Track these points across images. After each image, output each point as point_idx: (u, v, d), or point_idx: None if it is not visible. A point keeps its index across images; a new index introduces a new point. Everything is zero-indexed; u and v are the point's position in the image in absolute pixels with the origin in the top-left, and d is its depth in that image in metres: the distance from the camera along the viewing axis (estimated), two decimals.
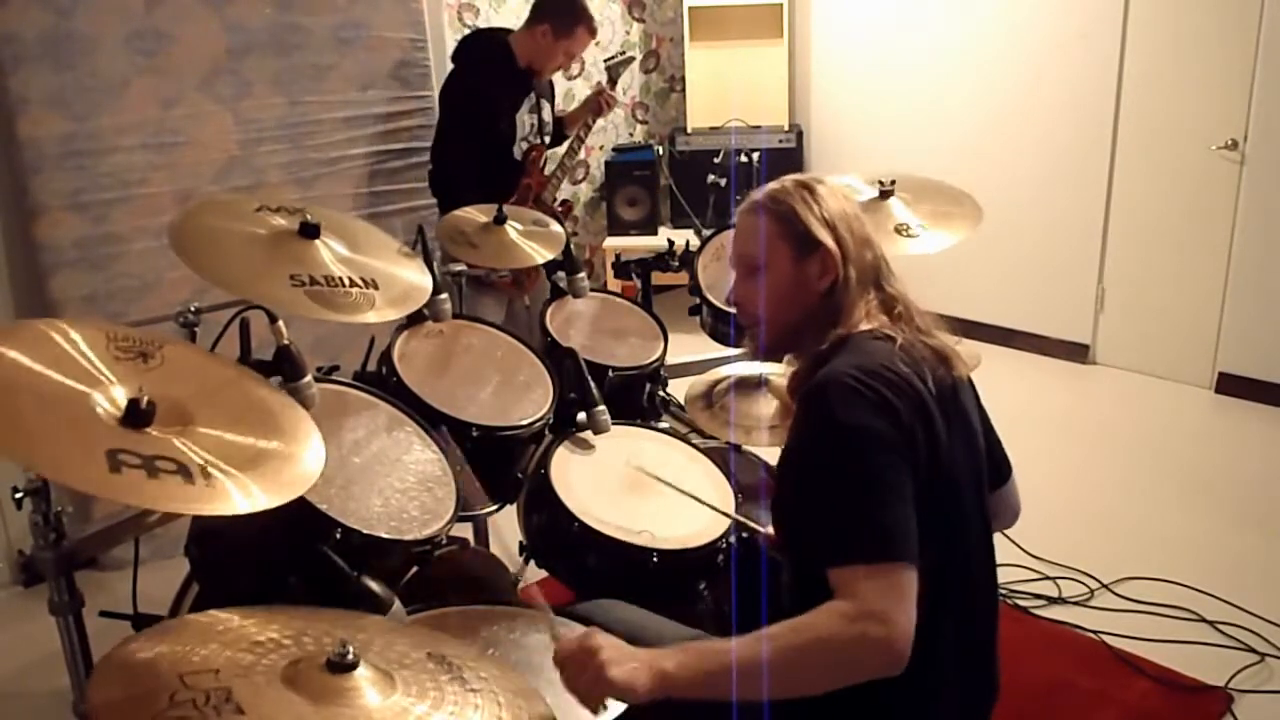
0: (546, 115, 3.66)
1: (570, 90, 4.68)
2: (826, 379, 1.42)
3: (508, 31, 3.65)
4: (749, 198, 1.63)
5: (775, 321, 1.59)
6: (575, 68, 4.79)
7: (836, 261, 1.52)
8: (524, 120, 3.55)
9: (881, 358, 1.44)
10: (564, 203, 3.81)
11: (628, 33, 5.32)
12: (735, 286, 1.63)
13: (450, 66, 3.56)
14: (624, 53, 3.80)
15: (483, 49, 3.53)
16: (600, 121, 5.22)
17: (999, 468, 1.69)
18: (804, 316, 1.56)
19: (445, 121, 3.52)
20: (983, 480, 1.56)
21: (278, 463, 1.28)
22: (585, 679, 1.24)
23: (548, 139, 3.67)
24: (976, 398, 1.63)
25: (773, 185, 1.60)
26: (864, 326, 1.51)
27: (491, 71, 3.46)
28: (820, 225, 1.54)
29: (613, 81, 3.68)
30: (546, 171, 3.61)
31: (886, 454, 1.35)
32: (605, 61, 3.75)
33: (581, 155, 4.94)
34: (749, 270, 1.60)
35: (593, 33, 3.55)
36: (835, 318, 1.53)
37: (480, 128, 3.44)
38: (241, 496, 1.17)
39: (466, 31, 4.37)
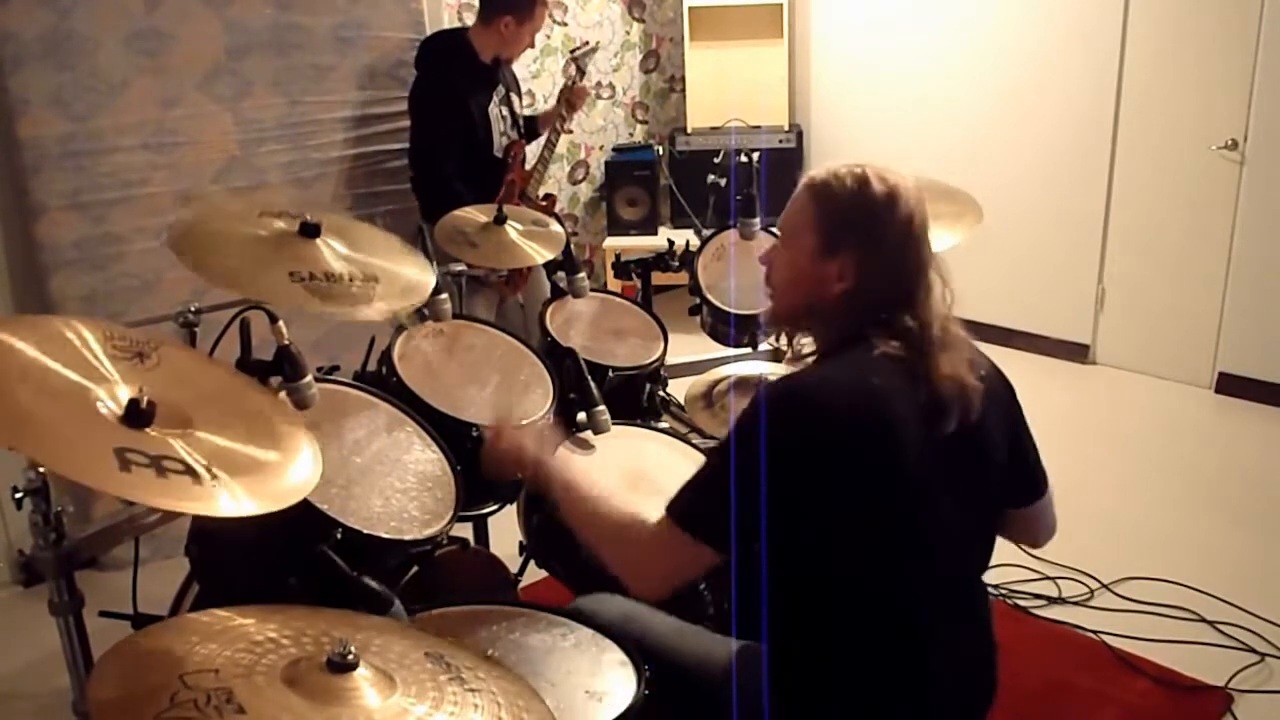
0: (516, 107, 3.68)
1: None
2: (787, 384, 1.45)
3: (465, 29, 3.66)
4: (810, 172, 1.55)
5: (781, 300, 1.59)
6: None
7: (849, 278, 1.47)
8: (496, 114, 3.56)
9: (856, 370, 1.43)
10: (547, 196, 3.81)
11: (628, 33, 5.32)
12: (770, 249, 1.62)
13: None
14: (588, 43, 3.80)
15: (446, 49, 3.54)
16: (600, 121, 5.27)
17: (1034, 483, 1.66)
18: (810, 307, 1.53)
19: (421, 125, 3.52)
20: (986, 493, 1.55)
21: (271, 471, 1.28)
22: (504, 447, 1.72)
23: (521, 130, 3.68)
24: (1011, 412, 1.59)
25: (837, 168, 1.51)
26: (873, 342, 1.46)
27: (459, 70, 3.47)
28: (852, 233, 1.47)
29: (581, 72, 3.69)
30: (527, 167, 3.62)
31: (764, 459, 1.37)
32: (571, 53, 3.76)
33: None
34: (781, 240, 1.58)
35: (547, 4, 3.59)
36: (840, 322, 1.51)
37: (458, 127, 3.45)
38: (229, 501, 1.17)
39: None
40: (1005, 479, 1.58)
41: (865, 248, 1.47)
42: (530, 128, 3.77)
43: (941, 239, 2.47)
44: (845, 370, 1.45)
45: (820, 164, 1.55)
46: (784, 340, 1.68)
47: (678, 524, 1.43)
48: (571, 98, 3.66)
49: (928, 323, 1.46)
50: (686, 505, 1.45)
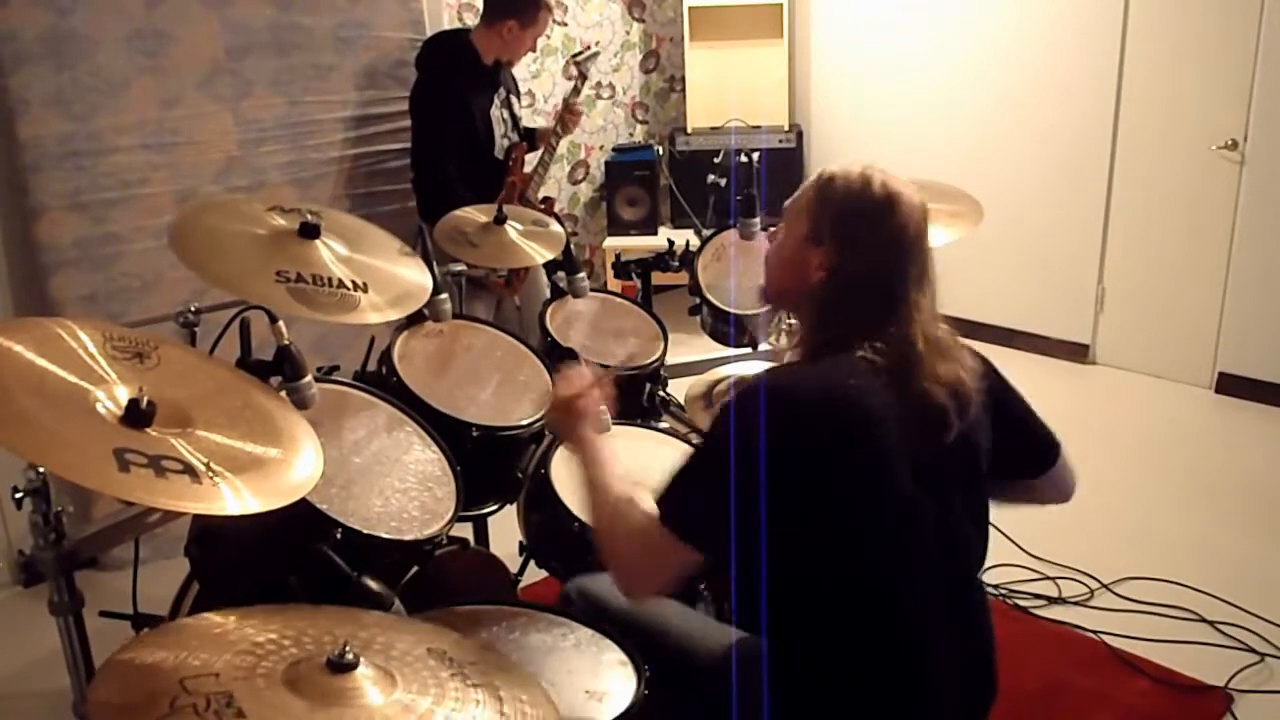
0: (516, 109, 3.68)
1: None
2: (759, 382, 1.46)
3: (466, 31, 3.66)
4: (828, 166, 1.58)
5: (770, 275, 1.62)
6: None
7: (826, 270, 1.50)
8: (498, 116, 3.56)
9: (833, 368, 1.45)
10: (546, 199, 3.82)
11: (628, 33, 5.32)
12: (776, 227, 1.64)
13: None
14: (590, 47, 3.80)
15: (448, 50, 3.53)
16: (600, 121, 5.27)
17: (1045, 448, 1.72)
18: (793, 289, 1.57)
19: (422, 127, 3.52)
20: (977, 488, 1.56)
21: (274, 467, 1.28)
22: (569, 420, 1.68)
23: (521, 133, 3.68)
24: (1003, 393, 1.64)
25: (850, 165, 1.54)
26: (856, 348, 1.46)
27: (462, 72, 3.47)
28: (838, 228, 1.50)
29: (583, 76, 3.69)
30: (527, 170, 3.62)
31: (741, 461, 1.38)
32: (573, 58, 3.76)
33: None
34: (784, 221, 1.61)
35: (551, 10, 3.59)
36: (815, 316, 1.53)
37: (460, 129, 3.45)
38: (233, 498, 1.17)
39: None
40: (1006, 459, 1.61)
41: (845, 245, 1.50)
42: (529, 141, 3.77)
43: (941, 238, 2.48)
44: (821, 369, 1.47)
45: (837, 162, 1.57)
46: (782, 320, 1.71)
47: (673, 530, 1.42)
48: (566, 116, 3.66)
49: (908, 336, 1.47)
50: (681, 511, 1.44)
